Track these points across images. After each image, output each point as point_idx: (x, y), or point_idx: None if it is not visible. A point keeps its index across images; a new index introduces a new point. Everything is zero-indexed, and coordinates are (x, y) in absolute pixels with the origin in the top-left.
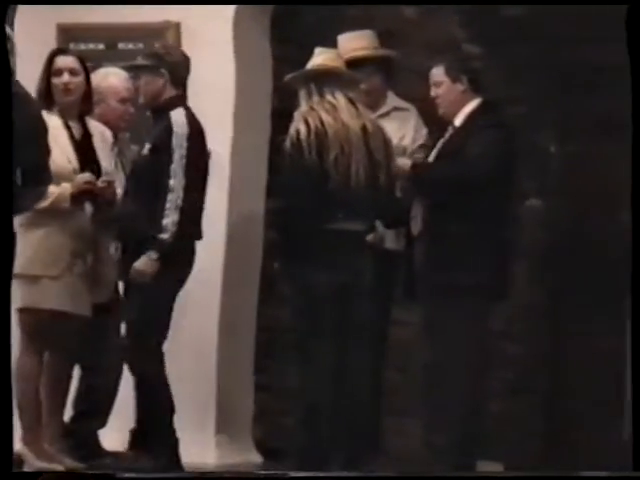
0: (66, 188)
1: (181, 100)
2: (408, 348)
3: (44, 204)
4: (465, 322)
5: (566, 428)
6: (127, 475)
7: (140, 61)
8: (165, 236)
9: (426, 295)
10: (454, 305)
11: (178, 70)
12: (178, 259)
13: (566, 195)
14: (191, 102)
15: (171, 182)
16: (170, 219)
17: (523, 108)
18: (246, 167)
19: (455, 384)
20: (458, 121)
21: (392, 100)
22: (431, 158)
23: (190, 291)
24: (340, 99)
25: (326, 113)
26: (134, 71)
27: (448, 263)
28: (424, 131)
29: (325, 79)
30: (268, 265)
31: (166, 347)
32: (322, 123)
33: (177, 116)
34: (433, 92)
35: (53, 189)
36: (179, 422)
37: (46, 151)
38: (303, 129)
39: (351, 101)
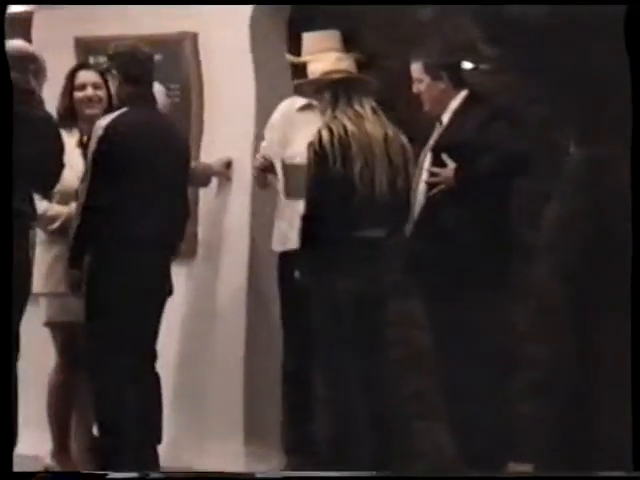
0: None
1: (135, 99)
2: (429, 352)
3: (55, 225)
4: (484, 322)
5: (589, 428)
6: (127, 475)
7: (100, 65)
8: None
9: (440, 295)
10: (471, 305)
11: (129, 68)
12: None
13: (586, 195)
14: (211, 111)
15: (79, 187)
16: (72, 227)
17: (542, 109)
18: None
19: (479, 386)
20: (446, 117)
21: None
22: (426, 156)
23: (216, 303)
24: (367, 108)
25: (350, 122)
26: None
27: (461, 263)
28: None
29: (352, 86)
30: None
31: (193, 359)
32: (346, 132)
33: (102, 119)
34: (415, 88)
35: (62, 209)
36: (207, 433)
37: (59, 171)
38: (326, 136)
39: (374, 110)
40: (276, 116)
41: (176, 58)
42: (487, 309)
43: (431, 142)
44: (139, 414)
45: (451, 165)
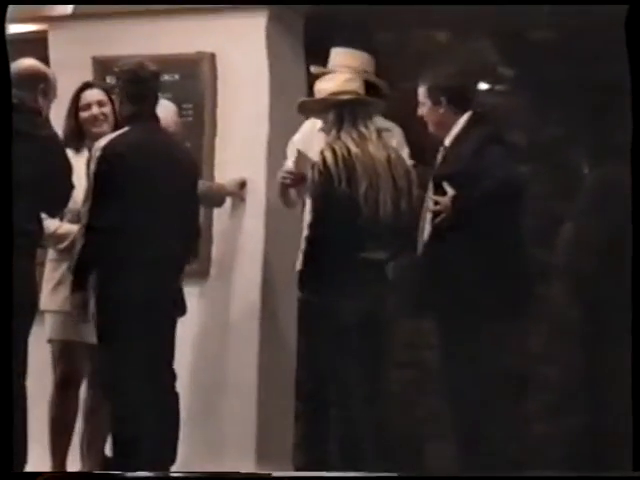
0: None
1: (137, 118)
2: (438, 372)
3: (65, 244)
4: (493, 345)
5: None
6: (127, 475)
7: (106, 84)
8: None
9: (445, 316)
10: (480, 327)
11: (131, 87)
12: None
13: (600, 216)
14: (224, 131)
15: (81, 210)
16: (76, 250)
17: (557, 130)
18: None
19: (489, 406)
20: (447, 142)
21: (376, 121)
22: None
23: (229, 323)
24: (372, 130)
25: (353, 143)
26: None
27: (469, 284)
28: (406, 151)
29: (358, 108)
30: None
31: (206, 379)
32: (349, 153)
33: (102, 140)
34: (420, 111)
35: (72, 227)
36: (219, 454)
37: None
38: (330, 156)
39: (378, 132)
40: (297, 136)
41: (193, 78)
42: (500, 332)
43: (436, 167)
44: (156, 435)
45: (450, 192)
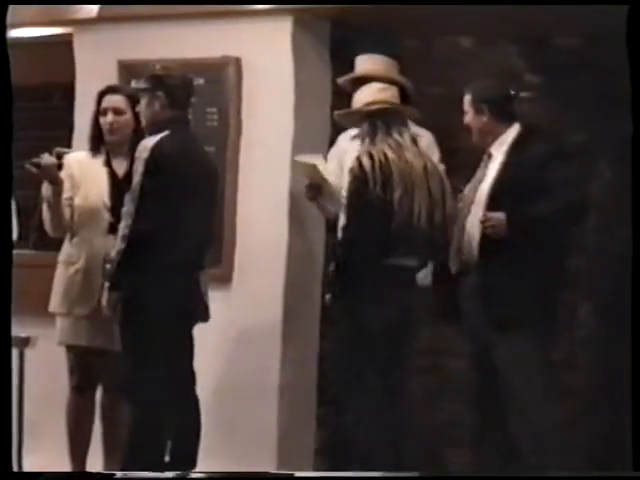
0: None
1: (176, 123)
2: (464, 380)
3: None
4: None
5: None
6: (127, 475)
7: (139, 84)
8: (108, 266)
9: (479, 329)
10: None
11: (176, 91)
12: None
13: (625, 224)
14: (248, 135)
15: (124, 210)
16: (116, 249)
17: (582, 136)
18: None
19: (515, 415)
20: (495, 151)
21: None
22: (485, 190)
23: (252, 329)
24: (407, 138)
25: (390, 150)
26: (134, 95)
27: (502, 296)
28: (437, 154)
29: (391, 117)
30: None
31: (228, 384)
32: (386, 158)
33: (147, 141)
34: (465, 120)
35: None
36: (240, 460)
37: None
38: (367, 161)
39: (413, 140)
40: (333, 150)
41: (218, 82)
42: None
43: (479, 175)
44: (177, 439)
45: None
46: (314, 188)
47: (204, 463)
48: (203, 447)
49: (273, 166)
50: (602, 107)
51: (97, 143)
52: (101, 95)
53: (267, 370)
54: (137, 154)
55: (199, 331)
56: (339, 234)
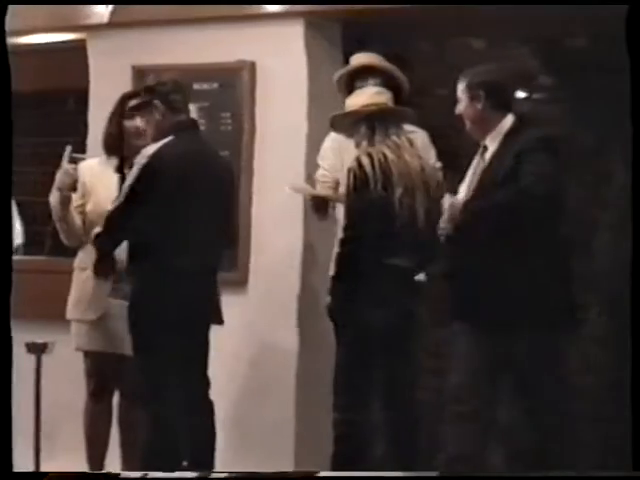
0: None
1: (180, 127)
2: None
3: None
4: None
5: None
6: (127, 475)
7: (136, 100)
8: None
9: (478, 328)
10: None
11: (171, 97)
12: None
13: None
14: (262, 139)
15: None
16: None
17: (593, 137)
18: None
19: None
20: (491, 142)
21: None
22: (470, 184)
23: (267, 332)
24: (404, 140)
25: (389, 150)
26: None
27: (501, 295)
28: (433, 152)
29: (388, 118)
30: None
31: (244, 388)
32: (386, 159)
33: (148, 148)
34: (457, 109)
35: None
36: (257, 464)
37: None
38: (366, 161)
39: (410, 142)
40: (326, 146)
41: (232, 87)
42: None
43: (474, 168)
44: (193, 443)
45: (461, 197)
46: (320, 205)
47: (221, 465)
48: (219, 449)
49: (287, 169)
50: (614, 108)
51: (116, 146)
52: (127, 98)
53: (283, 374)
54: (136, 160)
55: (215, 335)
56: (339, 234)
